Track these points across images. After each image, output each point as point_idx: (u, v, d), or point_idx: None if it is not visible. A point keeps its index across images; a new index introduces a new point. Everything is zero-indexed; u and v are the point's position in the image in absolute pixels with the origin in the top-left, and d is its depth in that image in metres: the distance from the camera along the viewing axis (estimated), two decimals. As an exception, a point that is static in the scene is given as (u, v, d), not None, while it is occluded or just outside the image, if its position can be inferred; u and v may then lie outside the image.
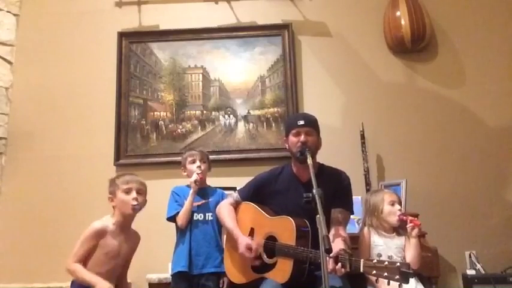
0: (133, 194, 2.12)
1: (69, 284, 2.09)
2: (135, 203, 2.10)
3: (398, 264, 1.57)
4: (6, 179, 3.21)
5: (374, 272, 1.62)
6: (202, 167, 2.47)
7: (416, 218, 2.25)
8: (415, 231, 2.18)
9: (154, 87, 3.35)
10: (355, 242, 2.32)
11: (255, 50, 3.38)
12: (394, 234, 2.28)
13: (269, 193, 2.23)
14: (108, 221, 2.13)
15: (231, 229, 2.21)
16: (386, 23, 3.29)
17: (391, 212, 2.26)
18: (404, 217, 2.22)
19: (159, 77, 3.36)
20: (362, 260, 1.71)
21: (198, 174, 2.42)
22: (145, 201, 2.19)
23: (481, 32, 3.33)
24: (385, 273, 1.59)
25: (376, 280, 1.67)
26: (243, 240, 2.10)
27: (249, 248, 2.07)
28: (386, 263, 1.61)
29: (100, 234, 2.07)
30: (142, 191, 2.17)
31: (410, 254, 2.18)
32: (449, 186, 3.10)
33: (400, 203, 2.32)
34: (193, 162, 2.49)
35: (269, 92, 3.32)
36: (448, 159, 3.15)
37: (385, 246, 2.24)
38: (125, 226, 2.17)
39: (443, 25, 3.36)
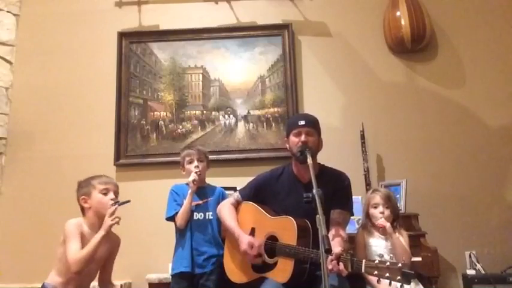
0: (111, 195, 2.08)
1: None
2: (112, 202, 2.05)
3: (400, 264, 1.58)
4: (6, 179, 3.21)
5: (376, 272, 1.63)
6: (200, 167, 2.46)
7: (386, 222, 2.21)
8: (386, 229, 2.17)
9: (154, 87, 3.35)
10: (354, 242, 2.34)
11: (255, 50, 3.37)
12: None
13: (270, 193, 2.23)
14: (81, 222, 2.06)
15: (232, 228, 2.20)
16: (386, 23, 3.30)
17: (373, 215, 2.26)
18: (380, 224, 2.22)
19: (159, 77, 3.36)
20: (364, 261, 1.71)
21: (195, 173, 2.41)
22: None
23: (481, 32, 3.34)
24: (387, 274, 1.60)
25: (378, 280, 1.67)
26: (245, 239, 2.10)
27: (252, 246, 2.06)
28: (388, 263, 1.61)
29: (79, 226, 2.01)
30: (117, 193, 2.14)
31: (396, 252, 2.14)
32: (449, 186, 3.11)
33: (384, 204, 2.25)
34: (191, 162, 2.48)
35: (269, 92, 3.32)
36: (448, 159, 3.15)
37: (378, 247, 2.23)
38: (99, 228, 2.02)
39: (443, 25, 3.37)
